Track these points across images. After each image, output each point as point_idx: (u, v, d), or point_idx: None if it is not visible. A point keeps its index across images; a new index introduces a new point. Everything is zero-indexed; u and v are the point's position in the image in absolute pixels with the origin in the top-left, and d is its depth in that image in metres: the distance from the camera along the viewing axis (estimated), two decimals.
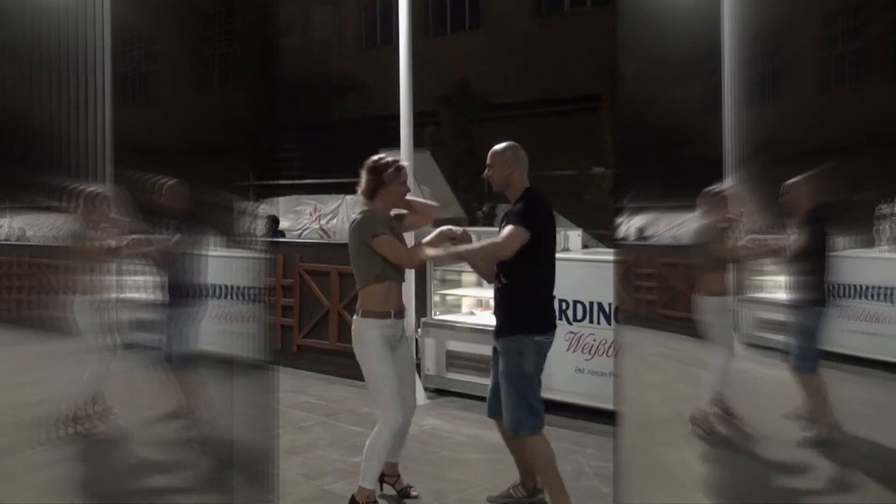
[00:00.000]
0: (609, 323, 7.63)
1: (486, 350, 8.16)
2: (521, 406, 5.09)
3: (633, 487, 5.44)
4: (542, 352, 5.16)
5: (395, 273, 5.35)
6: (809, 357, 6.44)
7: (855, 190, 7.95)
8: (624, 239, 9.10)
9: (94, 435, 6.87)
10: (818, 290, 6.44)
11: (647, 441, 6.37)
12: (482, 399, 8.07)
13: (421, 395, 8.44)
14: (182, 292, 6.84)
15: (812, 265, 6.43)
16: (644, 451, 6.13)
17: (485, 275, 5.60)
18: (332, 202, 18.40)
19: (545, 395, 7.81)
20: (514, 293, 5.14)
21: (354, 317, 5.39)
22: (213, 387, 7.13)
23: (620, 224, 9.21)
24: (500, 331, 5.22)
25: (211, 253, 9.06)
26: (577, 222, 14.30)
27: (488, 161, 5.32)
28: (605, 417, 7.14)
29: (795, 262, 6.55)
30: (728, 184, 6.92)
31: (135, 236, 6.93)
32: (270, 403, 6.75)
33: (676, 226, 9.31)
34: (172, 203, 6.86)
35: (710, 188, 6.75)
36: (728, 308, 6.80)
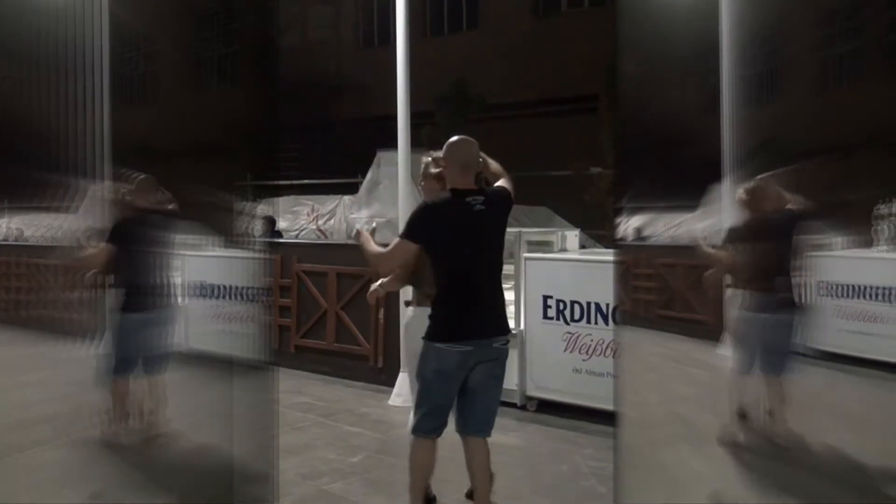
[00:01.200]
0: (606, 323, 7.64)
1: None
2: (416, 406, 5.03)
3: (633, 487, 5.44)
4: (444, 360, 4.87)
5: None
6: (773, 359, 6.42)
7: (852, 190, 7.96)
8: (623, 239, 9.09)
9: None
10: (784, 291, 6.43)
11: (645, 441, 6.37)
12: None
13: None
14: (140, 294, 6.61)
15: (772, 265, 6.43)
16: (643, 451, 6.14)
17: None
18: (329, 203, 18.41)
19: (542, 394, 7.91)
20: (432, 299, 5.05)
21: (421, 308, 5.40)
22: (213, 387, 7.13)
23: (620, 224, 9.20)
24: None
25: (208, 253, 9.09)
26: (575, 222, 14.32)
27: None
28: (603, 417, 7.15)
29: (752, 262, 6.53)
30: (764, 176, 6.75)
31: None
32: (269, 404, 6.74)
33: (675, 226, 9.32)
34: (136, 198, 6.68)
35: (750, 182, 6.63)
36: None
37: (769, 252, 6.44)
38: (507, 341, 4.98)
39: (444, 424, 5.02)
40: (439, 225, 4.88)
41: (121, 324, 6.53)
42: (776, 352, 6.37)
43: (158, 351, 6.69)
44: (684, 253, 8.69)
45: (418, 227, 4.88)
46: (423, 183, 5.54)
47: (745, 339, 6.57)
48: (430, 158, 5.49)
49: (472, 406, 4.99)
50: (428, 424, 4.98)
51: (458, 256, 4.88)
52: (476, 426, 5.03)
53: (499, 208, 4.99)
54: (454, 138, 5.06)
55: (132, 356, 6.58)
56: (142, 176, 6.67)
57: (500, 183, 5.19)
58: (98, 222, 6.64)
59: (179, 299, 7.16)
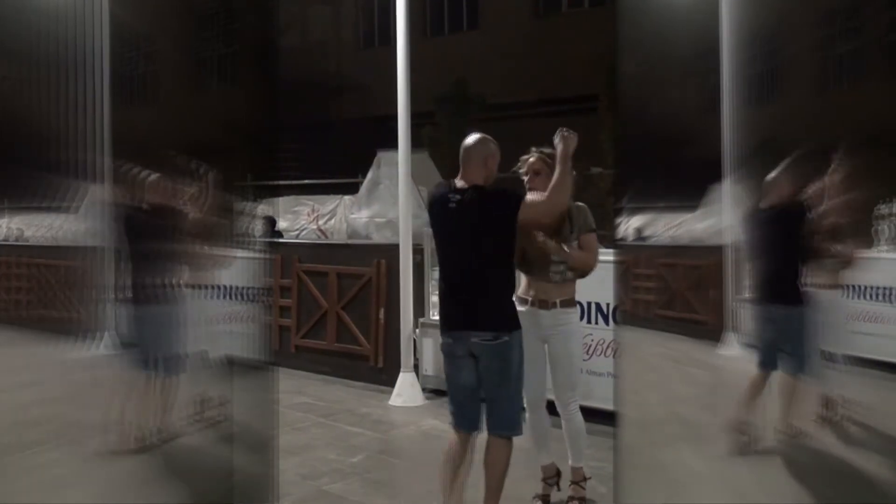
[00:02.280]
0: (607, 323, 7.64)
1: None
2: None
3: (633, 488, 5.44)
4: (453, 356, 5.06)
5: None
6: (795, 358, 6.42)
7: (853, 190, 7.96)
8: (623, 239, 9.08)
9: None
10: (791, 286, 6.44)
11: (645, 441, 6.37)
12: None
13: (419, 396, 8.45)
14: (150, 292, 6.63)
15: (780, 259, 6.44)
16: (643, 451, 6.13)
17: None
18: (330, 203, 18.43)
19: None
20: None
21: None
22: (213, 387, 7.12)
23: (620, 224, 9.18)
24: None
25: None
26: None
27: None
28: (603, 417, 7.14)
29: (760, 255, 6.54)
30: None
31: None
32: (269, 404, 6.74)
33: (675, 226, 9.31)
34: (149, 195, 6.72)
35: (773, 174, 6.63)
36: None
37: (768, 242, 6.49)
38: (494, 337, 4.90)
39: (465, 418, 5.06)
40: (430, 214, 5.18)
41: (135, 315, 6.58)
42: (785, 348, 6.40)
43: (173, 349, 6.71)
44: (685, 253, 8.69)
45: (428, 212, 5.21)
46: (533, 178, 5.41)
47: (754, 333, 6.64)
48: (539, 154, 5.44)
49: (487, 401, 5.03)
50: (453, 417, 5.11)
51: (440, 248, 5.15)
52: (489, 424, 5.04)
53: (475, 206, 4.95)
54: (475, 136, 5.15)
55: (150, 350, 6.59)
56: (154, 175, 6.73)
57: (534, 196, 5.17)
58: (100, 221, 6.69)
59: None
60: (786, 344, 6.40)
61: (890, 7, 8.80)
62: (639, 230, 9.68)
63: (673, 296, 8.84)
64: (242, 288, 8.92)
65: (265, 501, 5.73)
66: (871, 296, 8.14)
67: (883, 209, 8.72)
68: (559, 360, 5.45)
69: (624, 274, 8.36)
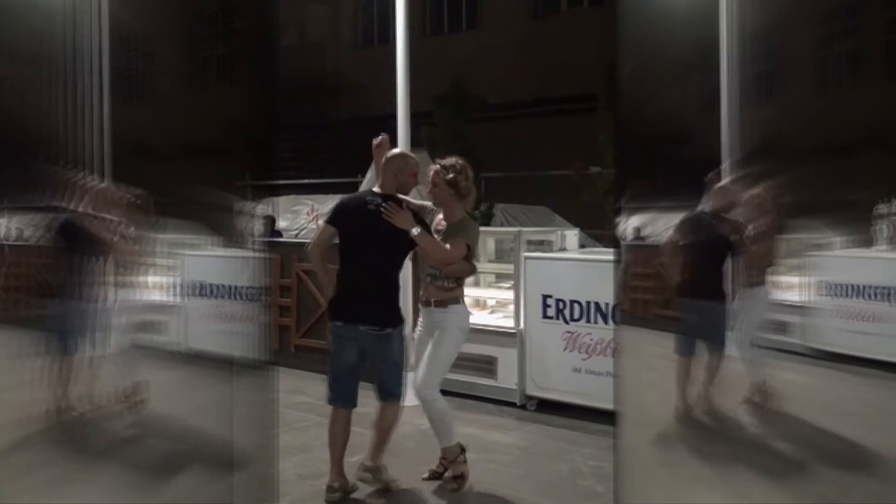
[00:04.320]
0: (606, 322, 7.65)
1: (482, 350, 8.21)
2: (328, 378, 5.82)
3: (633, 487, 5.45)
4: (340, 338, 5.72)
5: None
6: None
7: (852, 189, 7.98)
8: (623, 238, 9.10)
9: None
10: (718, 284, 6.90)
11: (645, 441, 6.38)
12: (479, 399, 8.16)
13: None
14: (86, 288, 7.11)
15: (712, 260, 6.94)
16: (642, 450, 6.14)
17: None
18: (329, 202, 18.37)
19: (541, 394, 7.93)
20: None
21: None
22: (213, 387, 7.13)
23: (620, 224, 9.20)
24: None
25: (207, 253, 9.10)
26: (574, 222, 14.31)
27: None
28: (603, 417, 7.16)
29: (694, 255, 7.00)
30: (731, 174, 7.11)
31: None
32: (269, 403, 6.74)
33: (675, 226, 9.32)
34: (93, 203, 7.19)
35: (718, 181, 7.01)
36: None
37: (704, 244, 7.04)
38: (380, 329, 5.67)
39: (347, 396, 5.79)
40: (343, 214, 5.87)
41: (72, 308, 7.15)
42: (708, 338, 6.92)
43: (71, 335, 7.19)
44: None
45: (331, 213, 5.93)
46: (432, 189, 6.09)
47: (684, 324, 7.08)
48: (438, 166, 6.08)
49: (376, 379, 5.82)
50: (332, 393, 5.81)
51: (348, 244, 5.86)
52: (381, 394, 5.86)
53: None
54: (395, 151, 5.98)
55: (60, 339, 7.16)
56: (101, 184, 7.26)
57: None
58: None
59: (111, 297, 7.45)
60: (709, 334, 6.90)
61: (888, 7, 8.80)
62: (638, 230, 9.69)
63: (671, 295, 8.85)
64: (242, 287, 8.93)
65: (265, 501, 5.74)
66: (871, 295, 8.16)
67: (882, 209, 8.74)
68: (428, 352, 6.04)
69: (623, 273, 8.39)
